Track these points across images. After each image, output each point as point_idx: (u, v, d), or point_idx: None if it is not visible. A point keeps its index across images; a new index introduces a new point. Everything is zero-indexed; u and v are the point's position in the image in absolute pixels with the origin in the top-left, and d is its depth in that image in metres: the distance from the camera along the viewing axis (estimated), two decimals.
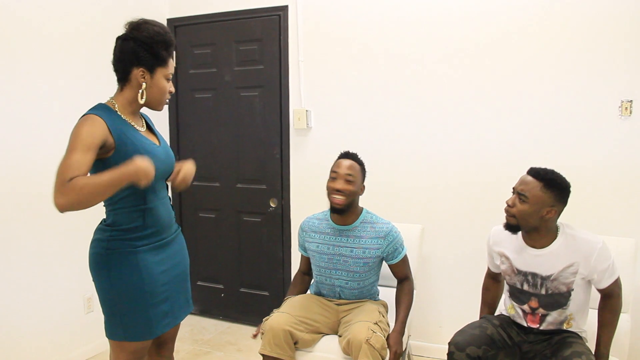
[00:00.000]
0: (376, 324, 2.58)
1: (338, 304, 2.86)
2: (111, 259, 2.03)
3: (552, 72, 3.19)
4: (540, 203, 2.30)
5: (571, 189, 2.36)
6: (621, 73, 3.05)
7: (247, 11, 3.97)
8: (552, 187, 2.31)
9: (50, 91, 3.28)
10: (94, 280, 2.09)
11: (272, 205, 4.04)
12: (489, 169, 3.31)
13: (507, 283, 2.56)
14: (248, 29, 3.99)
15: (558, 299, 2.38)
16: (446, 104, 3.44)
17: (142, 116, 2.22)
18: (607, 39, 3.06)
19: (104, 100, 2.09)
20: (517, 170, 2.56)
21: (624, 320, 2.69)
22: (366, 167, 2.85)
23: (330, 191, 2.74)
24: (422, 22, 3.45)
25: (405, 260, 2.87)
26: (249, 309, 4.18)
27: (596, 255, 2.29)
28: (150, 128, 2.22)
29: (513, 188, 2.40)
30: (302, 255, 3.04)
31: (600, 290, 2.39)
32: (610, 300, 2.37)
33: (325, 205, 2.98)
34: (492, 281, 2.75)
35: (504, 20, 3.26)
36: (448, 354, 2.42)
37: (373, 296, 2.94)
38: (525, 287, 2.45)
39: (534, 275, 2.40)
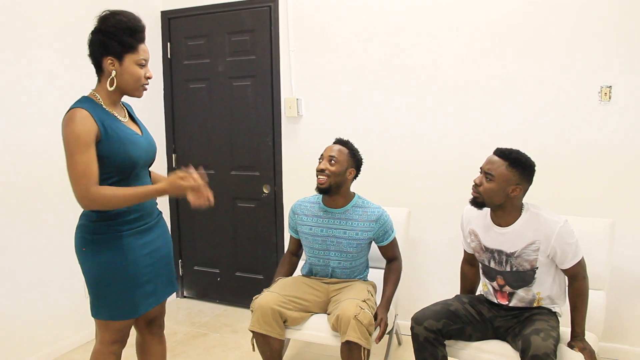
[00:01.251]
0: (364, 301, 2.70)
1: (328, 283, 2.99)
2: (97, 243, 2.13)
3: (533, 59, 3.28)
4: (506, 181, 2.41)
5: (536, 168, 2.47)
6: (601, 59, 3.14)
7: (238, 2, 4.07)
8: (517, 165, 2.41)
9: (46, 85, 3.39)
10: (80, 263, 2.20)
11: (266, 191, 4.16)
12: (473, 154, 3.40)
13: (478, 260, 2.69)
14: (240, 20, 4.09)
15: (522, 277, 2.50)
16: (433, 92, 3.54)
17: (125, 106, 2.30)
18: (587, 24, 3.15)
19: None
20: None
21: (600, 297, 2.80)
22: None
23: (316, 173, 2.88)
24: (411, 11, 3.54)
25: (394, 242, 3.01)
26: (244, 292, 4.30)
27: (556, 235, 2.39)
28: (132, 118, 2.31)
29: (480, 168, 2.51)
30: (291, 237, 3.17)
31: (564, 272, 2.50)
32: (575, 283, 2.47)
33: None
34: (469, 267, 2.86)
35: (488, 9, 3.36)
36: (410, 329, 2.58)
37: (363, 276, 3.07)
38: (492, 264, 2.57)
39: (500, 252, 2.53)
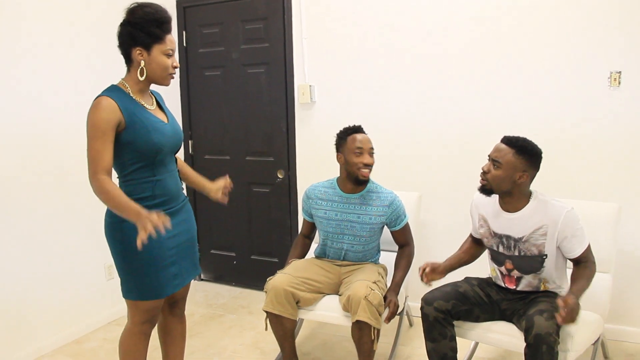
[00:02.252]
0: (375, 282, 2.79)
1: (340, 265, 3.08)
2: (124, 227, 2.22)
3: (543, 45, 3.32)
4: (512, 168, 2.47)
5: (545, 152, 2.51)
6: (610, 44, 3.17)
7: None
8: (523, 153, 2.47)
9: (75, 68, 3.53)
10: (109, 246, 2.32)
11: (280, 176, 4.25)
12: (483, 138, 3.43)
13: (486, 246, 2.75)
14: (253, 8, 4.15)
15: (530, 262, 2.56)
16: (443, 79, 3.59)
17: (153, 94, 2.40)
18: (597, 10, 3.17)
19: (116, 80, 2.29)
20: None
21: (605, 280, 2.85)
22: None
23: (360, 166, 2.92)
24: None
25: (406, 227, 3.09)
26: (259, 275, 4.37)
27: (563, 218, 2.45)
28: (160, 106, 2.40)
29: (488, 155, 2.57)
30: (304, 220, 3.25)
31: (572, 260, 2.55)
32: (583, 263, 2.51)
33: (329, 175, 3.19)
34: (471, 244, 2.91)
35: None
36: (420, 309, 2.65)
37: (375, 259, 3.16)
38: (501, 249, 2.63)
39: (508, 237, 2.59)
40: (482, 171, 2.59)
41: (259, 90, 4.24)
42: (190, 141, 4.58)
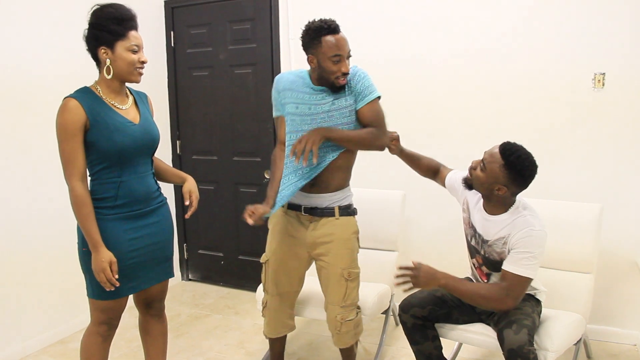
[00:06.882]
0: (344, 301, 2.68)
1: (307, 224, 2.81)
2: None
3: (528, 46, 3.34)
4: (494, 178, 2.37)
5: (535, 175, 2.37)
6: (595, 46, 3.19)
7: None
8: (510, 168, 2.33)
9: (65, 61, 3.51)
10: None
11: (267, 176, 4.24)
12: (467, 138, 3.47)
13: (464, 232, 2.72)
14: (241, 9, 4.16)
15: (494, 264, 2.52)
16: (430, 76, 3.61)
17: (132, 94, 2.40)
18: (582, 12, 3.20)
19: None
20: (496, 139, 2.53)
21: (587, 280, 2.87)
22: None
23: (338, 75, 2.52)
24: (409, 2, 3.61)
25: (373, 107, 2.63)
26: (247, 275, 4.41)
27: (522, 233, 2.36)
28: (138, 106, 2.39)
29: (485, 152, 2.46)
30: (279, 119, 2.78)
31: (502, 271, 2.42)
32: (503, 284, 2.37)
33: None
34: (435, 165, 2.92)
35: None
36: (398, 316, 2.67)
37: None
38: (473, 242, 2.63)
39: (479, 235, 2.57)
40: (471, 164, 2.51)
41: (246, 91, 4.25)
42: (178, 141, 4.58)
